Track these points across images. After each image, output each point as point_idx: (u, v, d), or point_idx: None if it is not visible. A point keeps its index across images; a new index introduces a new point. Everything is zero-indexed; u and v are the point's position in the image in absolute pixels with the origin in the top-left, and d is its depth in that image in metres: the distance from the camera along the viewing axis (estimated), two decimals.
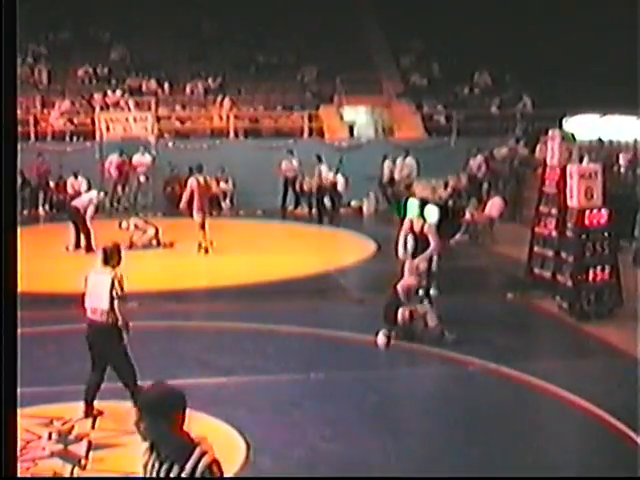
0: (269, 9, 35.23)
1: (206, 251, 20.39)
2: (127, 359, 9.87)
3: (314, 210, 26.98)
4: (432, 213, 14.57)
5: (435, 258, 14.65)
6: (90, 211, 20.96)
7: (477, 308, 15.20)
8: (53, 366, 11.62)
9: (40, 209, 27.78)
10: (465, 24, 34.96)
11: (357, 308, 15.13)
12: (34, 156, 27.63)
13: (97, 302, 9.70)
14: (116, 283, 9.62)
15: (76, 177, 24.94)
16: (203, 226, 20.41)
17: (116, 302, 9.58)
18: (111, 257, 9.86)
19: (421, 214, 14.26)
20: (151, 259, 20.41)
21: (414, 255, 14.04)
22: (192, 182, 20.70)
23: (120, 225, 21.87)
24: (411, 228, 14.21)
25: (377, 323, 12.97)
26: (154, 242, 21.56)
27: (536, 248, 16.59)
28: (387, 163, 28.00)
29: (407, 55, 35.48)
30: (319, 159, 26.79)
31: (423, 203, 14.75)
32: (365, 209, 27.87)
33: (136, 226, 21.77)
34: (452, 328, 12.96)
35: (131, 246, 21.19)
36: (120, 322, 9.70)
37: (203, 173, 21.21)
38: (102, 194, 23.07)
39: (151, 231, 21.67)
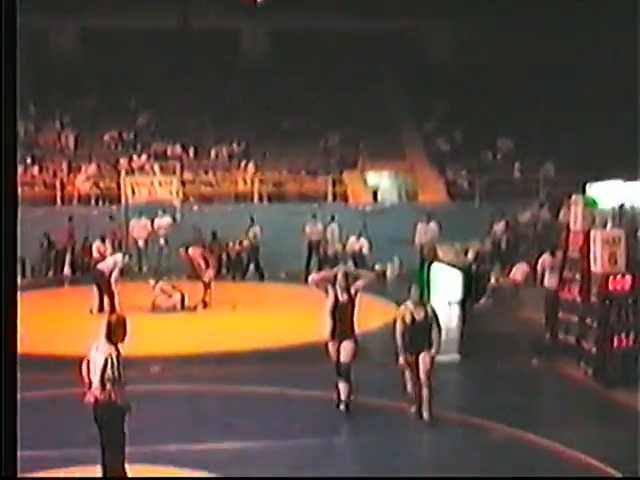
0: (293, 74, 35.73)
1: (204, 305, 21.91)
2: (117, 442, 9.05)
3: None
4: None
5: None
6: (115, 274, 21.07)
7: (502, 373, 15.08)
8: (73, 430, 11.56)
9: (65, 271, 27.91)
10: (488, 89, 35.32)
11: (381, 373, 15.01)
12: (61, 219, 27.97)
13: (94, 379, 9.00)
14: (109, 365, 8.83)
15: (103, 241, 25.07)
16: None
17: (108, 385, 8.83)
18: (114, 332, 9.01)
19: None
20: (174, 323, 20.49)
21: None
22: (192, 253, 22.72)
23: (149, 283, 22.12)
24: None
25: (401, 388, 12.89)
26: (178, 306, 21.63)
27: (561, 313, 16.50)
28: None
29: (430, 120, 35.73)
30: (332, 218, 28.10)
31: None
32: (389, 273, 27.83)
33: (162, 290, 21.85)
34: (477, 392, 12.87)
35: (154, 309, 21.37)
36: (119, 402, 8.93)
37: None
38: (127, 257, 23.20)
39: (177, 296, 21.76)
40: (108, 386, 8.84)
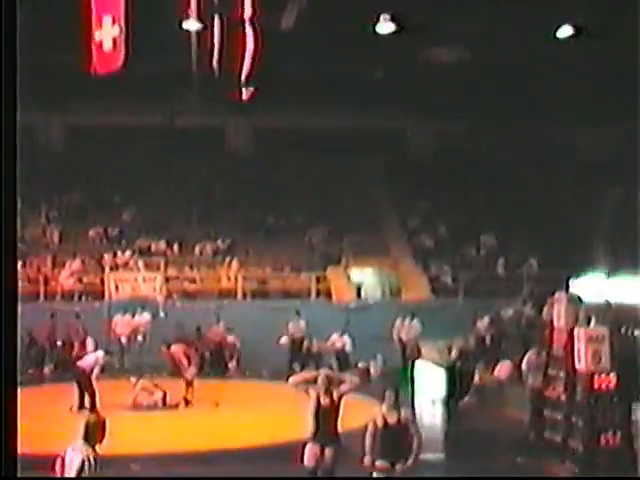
0: (277, 171, 36.06)
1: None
2: None
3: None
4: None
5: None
6: (96, 371, 20.87)
7: (486, 472, 14.88)
8: None
9: (46, 369, 27.61)
10: (471, 186, 35.73)
11: (364, 472, 14.77)
12: (43, 315, 27.82)
13: None
14: (85, 467, 8.48)
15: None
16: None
17: None
18: (92, 434, 8.70)
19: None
20: (156, 421, 20.24)
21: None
22: (174, 350, 22.36)
23: (130, 380, 21.81)
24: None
25: None
26: (159, 404, 21.39)
27: (545, 412, 16.37)
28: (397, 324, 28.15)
29: (414, 216, 35.97)
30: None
31: None
32: (372, 371, 27.66)
33: (144, 388, 21.60)
34: None
35: (135, 407, 21.11)
36: None
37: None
38: (108, 355, 22.99)
39: (158, 394, 21.50)
40: None
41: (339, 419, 12.20)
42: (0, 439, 6.74)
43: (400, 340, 27.88)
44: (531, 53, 28.63)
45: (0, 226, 7.32)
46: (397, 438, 11.42)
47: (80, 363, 21.41)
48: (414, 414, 11.97)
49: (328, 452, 11.96)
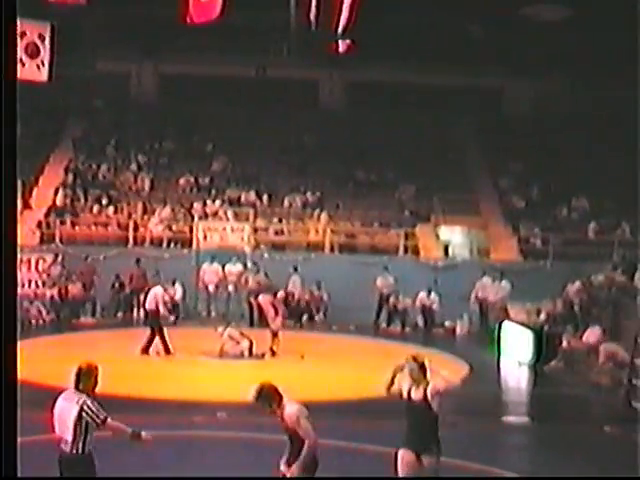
0: (369, 126, 35.85)
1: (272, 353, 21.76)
2: None
3: (407, 329, 27.06)
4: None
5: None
6: (161, 308, 21.16)
7: (572, 439, 14.70)
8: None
9: (135, 313, 28.03)
10: (564, 147, 35.06)
11: (448, 432, 14.70)
12: (131, 260, 28.25)
13: (62, 431, 8.44)
14: (84, 413, 8.28)
15: (172, 284, 25.11)
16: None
17: (82, 436, 8.27)
18: (84, 380, 8.48)
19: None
20: (242, 370, 20.42)
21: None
22: (261, 300, 22.69)
23: (216, 330, 22.00)
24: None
25: (469, 448, 12.60)
26: (246, 353, 21.56)
27: (634, 380, 16.10)
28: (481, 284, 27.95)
29: (506, 177, 35.49)
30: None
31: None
32: (458, 330, 27.54)
33: (230, 337, 21.78)
34: (545, 457, 12.53)
35: (222, 355, 21.33)
36: (86, 452, 8.37)
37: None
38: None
39: (245, 343, 21.67)
40: (81, 437, 8.32)
41: (439, 422, 9.81)
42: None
43: (485, 300, 27.69)
44: (632, 11, 27.83)
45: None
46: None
47: (147, 306, 21.74)
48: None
49: (426, 461, 9.65)
